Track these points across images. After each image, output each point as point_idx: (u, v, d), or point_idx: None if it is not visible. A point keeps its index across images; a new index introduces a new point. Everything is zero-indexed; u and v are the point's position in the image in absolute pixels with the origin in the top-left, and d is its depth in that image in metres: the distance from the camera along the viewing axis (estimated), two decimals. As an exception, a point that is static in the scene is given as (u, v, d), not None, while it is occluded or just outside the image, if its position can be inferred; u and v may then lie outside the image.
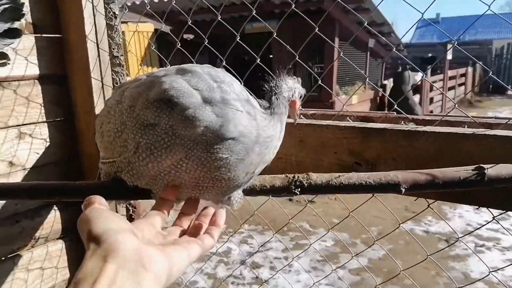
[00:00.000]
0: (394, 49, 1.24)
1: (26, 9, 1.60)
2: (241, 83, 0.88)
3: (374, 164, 1.07)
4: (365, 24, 1.23)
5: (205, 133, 0.72)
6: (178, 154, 0.73)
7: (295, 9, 1.30)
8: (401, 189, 0.83)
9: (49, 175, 1.68)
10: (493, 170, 0.80)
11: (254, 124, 0.77)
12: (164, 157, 0.74)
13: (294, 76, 0.95)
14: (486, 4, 0.92)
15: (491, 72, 1.04)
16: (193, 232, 0.73)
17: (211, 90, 0.76)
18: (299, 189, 0.85)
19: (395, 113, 1.18)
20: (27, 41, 1.61)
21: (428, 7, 1.03)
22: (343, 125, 1.14)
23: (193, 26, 1.66)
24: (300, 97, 0.95)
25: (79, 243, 1.81)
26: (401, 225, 1.23)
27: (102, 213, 0.60)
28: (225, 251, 4.30)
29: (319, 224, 5.00)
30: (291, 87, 0.91)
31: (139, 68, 6.25)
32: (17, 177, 1.59)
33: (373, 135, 1.07)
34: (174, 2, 1.77)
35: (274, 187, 0.86)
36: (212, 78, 0.79)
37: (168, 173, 0.76)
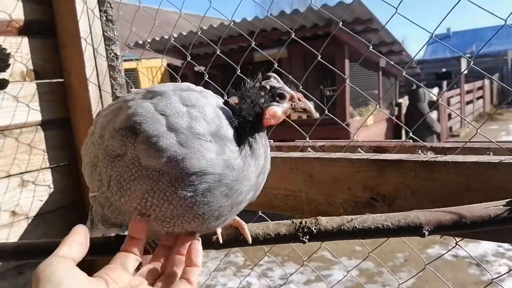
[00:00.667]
0: (404, 69, 1.16)
1: (27, 56, 1.60)
2: (224, 100, 0.77)
3: (392, 200, 0.97)
4: (369, 44, 1.16)
5: (168, 164, 0.64)
6: (144, 186, 0.65)
7: (295, 37, 1.25)
8: (424, 232, 0.73)
9: (54, 222, 1.63)
10: (529, 205, 0.69)
11: (220, 160, 0.65)
12: (132, 189, 0.66)
13: (264, 76, 0.77)
14: (502, 19, 0.83)
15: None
16: (168, 277, 0.65)
17: (178, 115, 0.67)
18: (307, 237, 0.75)
19: (411, 141, 1.08)
20: (29, 88, 1.60)
21: (437, 27, 0.95)
22: (355, 157, 1.05)
23: (190, 61, 1.62)
24: (280, 96, 0.74)
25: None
26: (428, 250, 1.10)
27: (57, 270, 0.51)
28: (244, 286, 4.14)
29: (341, 252, 4.80)
30: (252, 98, 0.72)
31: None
32: (20, 227, 1.54)
33: (389, 167, 0.98)
34: (176, 37, 1.75)
35: (279, 236, 0.77)
36: (183, 101, 0.70)
37: (139, 209, 0.68)
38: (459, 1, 0.90)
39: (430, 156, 0.95)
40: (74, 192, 1.69)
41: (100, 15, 1.71)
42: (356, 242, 5.00)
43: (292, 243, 0.77)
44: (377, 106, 1.22)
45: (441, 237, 0.99)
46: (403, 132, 8.90)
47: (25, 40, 1.61)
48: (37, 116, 1.61)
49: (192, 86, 0.78)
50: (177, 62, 8.58)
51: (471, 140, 0.97)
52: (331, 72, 7.69)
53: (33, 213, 1.57)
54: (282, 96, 0.74)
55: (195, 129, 0.66)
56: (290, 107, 0.75)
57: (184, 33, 7.27)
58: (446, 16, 0.93)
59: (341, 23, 1.14)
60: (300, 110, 0.76)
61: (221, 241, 0.79)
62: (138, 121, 0.67)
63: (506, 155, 0.88)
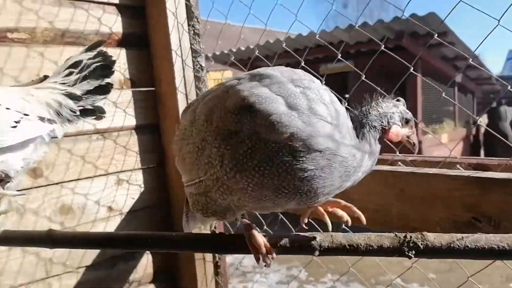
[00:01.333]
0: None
1: (124, 66, 1.75)
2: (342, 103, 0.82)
3: (498, 221, 0.91)
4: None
5: (291, 139, 0.68)
6: (262, 158, 0.70)
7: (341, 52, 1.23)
8: (545, 256, 0.68)
9: (142, 220, 1.75)
10: None
11: (342, 145, 0.71)
12: (249, 162, 0.71)
13: (395, 98, 0.84)
14: None
15: None
16: None
17: (295, 96, 0.72)
18: (413, 252, 0.73)
19: (515, 159, 1.01)
20: (125, 95, 1.74)
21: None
22: (455, 174, 1.00)
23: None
24: (406, 121, 0.82)
25: (169, 286, 1.82)
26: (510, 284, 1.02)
27: None
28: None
29: (414, 278, 4.51)
30: (385, 112, 0.79)
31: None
32: (115, 221, 1.68)
33: (494, 186, 0.92)
34: (257, 51, 1.81)
35: (382, 248, 0.76)
36: (294, 83, 0.74)
37: (255, 182, 0.72)
38: None
39: (543, 176, 0.89)
40: (161, 193, 1.81)
41: (189, 29, 1.83)
42: (431, 268, 4.68)
43: (397, 257, 0.75)
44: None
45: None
46: (482, 152, 8.27)
47: (123, 51, 1.76)
48: (132, 121, 1.75)
49: (297, 70, 0.81)
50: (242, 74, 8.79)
51: None
52: (401, 86, 7.40)
53: (126, 210, 1.70)
54: (407, 122, 0.82)
55: (316, 111, 0.71)
56: (407, 135, 0.83)
57: (251, 46, 7.47)
58: None
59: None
60: (410, 141, 0.84)
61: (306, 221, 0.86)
62: (256, 101, 0.71)
63: None
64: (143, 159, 1.76)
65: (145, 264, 1.75)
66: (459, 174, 1.00)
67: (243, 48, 7.58)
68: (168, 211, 1.80)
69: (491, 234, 0.72)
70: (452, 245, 0.72)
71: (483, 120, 9.31)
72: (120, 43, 1.78)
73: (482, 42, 1.10)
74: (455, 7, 1.03)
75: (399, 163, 1.18)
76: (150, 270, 1.77)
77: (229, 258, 5.00)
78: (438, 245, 0.73)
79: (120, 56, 1.77)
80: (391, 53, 1.25)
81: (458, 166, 1.07)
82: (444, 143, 7.27)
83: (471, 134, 8.37)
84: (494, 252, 0.70)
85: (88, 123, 1.63)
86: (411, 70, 1.20)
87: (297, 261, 4.75)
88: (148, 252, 1.75)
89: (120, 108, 1.73)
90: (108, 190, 1.65)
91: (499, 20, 0.95)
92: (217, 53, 8.85)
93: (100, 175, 1.64)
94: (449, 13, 1.09)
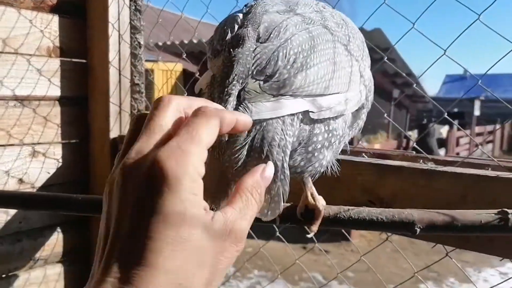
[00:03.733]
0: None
1: (55, 33, 1.67)
2: None
3: (389, 204, 0.99)
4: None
5: None
6: None
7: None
8: (416, 228, 0.75)
9: (57, 196, 1.67)
10: (519, 215, 0.72)
11: None
12: None
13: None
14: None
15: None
16: None
17: None
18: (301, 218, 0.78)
19: (414, 152, 1.11)
20: (52, 64, 1.66)
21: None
22: (358, 160, 1.08)
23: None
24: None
25: (78, 268, 1.75)
26: (421, 285, 1.12)
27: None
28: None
29: (333, 276, 4.75)
30: None
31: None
32: (25, 195, 1.58)
33: (389, 172, 1.01)
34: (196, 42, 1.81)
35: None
36: None
37: None
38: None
39: (430, 166, 0.98)
40: (81, 169, 1.74)
41: (130, 4, 1.79)
42: (350, 268, 4.94)
43: (290, 225, 0.80)
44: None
45: (433, 246, 1.01)
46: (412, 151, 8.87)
47: (56, 17, 1.68)
48: (56, 91, 1.67)
49: None
50: (193, 68, 8.71)
51: (471, 156, 1.00)
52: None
53: (39, 184, 1.62)
54: None
55: None
56: None
57: (204, 40, 7.40)
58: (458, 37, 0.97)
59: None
60: None
61: None
62: None
63: (503, 172, 0.90)
64: (64, 133, 1.69)
65: (54, 242, 1.67)
66: (362, 160, 1.07)
67: (195, 41, 7.50)
68: (86, 188, 1.74)
69: (374, 208, 0.79)
70: (338, 215, 0.78)
71: (414, 135, 10.02)
72: (54, 9, 1.69)
73: (426, 70, 1.20)
74: (405, 34, 1.10)
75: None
76: (59, 249, 1.69)
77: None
78: (326, 215, 0.78)
79: (51, 23, 1.68)
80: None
81: (363, 154, 1.15)
82: (376, 152, 7.72)
83: (402, 146, 8.99)
84: (374, 223, 0.77)
85: (7, 88, 1.54)
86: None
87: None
88: (58, 230, 1.68)
89: (45, 76, 1.65)
90: (20, 161, 1.56)
91: (445, 50, 1.01)
92: (169, 43, 8.67)
93: (13, 145, 1.54)
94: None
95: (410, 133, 10.26)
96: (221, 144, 0.52)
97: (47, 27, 1.66)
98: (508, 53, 0.90)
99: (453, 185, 0.90)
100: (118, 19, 1.74)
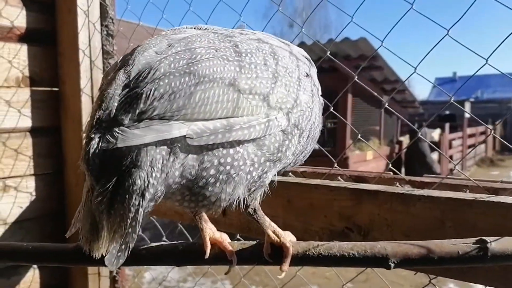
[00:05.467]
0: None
1: (24, 62, 1.63)
2: None
3: (367, 231, 0.95)
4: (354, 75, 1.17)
5: None
6: None
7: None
8: (390, 264, 0.70)
9: (31, 231, 1.61)
10: (497, 243, 0.67)
11: None
12: None
13: None
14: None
15: (492, 130, 0.94)
16: None
17: None
18: (272, 260, 0.73)
19: (391, 173, 1.07)
20: (22, 94, 1.61)
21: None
22: (334, 185, 1.03)
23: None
24: None
25: (56, 307, 1.68)
26: None
27: None
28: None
29: (331, 287, 4.67)
30: None
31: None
32: (-4, 233, 1.52)
33: (366, 197, 0.96)
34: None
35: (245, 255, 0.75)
36: None
37: None
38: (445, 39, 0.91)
39: (406, 189, 0.94)
40: (56, 202, 1.67)
41: (101, 29, 1.75)
42: (348, 278, 4.85)
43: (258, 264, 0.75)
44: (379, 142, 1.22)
45: (415, 274, 0.96)
46: (403, 169, 8.85)
47: (24, 47, 1.64)
48: (27, 122, 1.62)
49: None
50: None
51: (448, 176, 0.95)
52: (334, 105, 7.75)
53: (11, 219, 1.55)
54: None
55: None
56: None
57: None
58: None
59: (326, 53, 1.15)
60: None
61: None
62: None
63: (482, 193, 0.86)
64: (37, 165, 1.63)
65: (30, 279, 1.60)
66: (337, 185, 1.03)
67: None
68: (62, 222, 1.67)
69: (345, 242, 0.74)
70: (307, 253, 0.73)
71: (405, 140, 10.01)
72: (22, 38, 1.65)
73: (409, 77, 1.17)
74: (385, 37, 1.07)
75: (290, 173, 1.20)
76: (36, 286, 1.62)
77: (153, 273, 4.81)
78: (295, 253, 0.73)
79: (20, 52, 1.64)
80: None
81: (339, 177, 1.10)
82: (369, 159, 7.68)
83: (394, 152, 8.97)
84: (345, 259, 0.72)
85: (-26, 122, 1.49)
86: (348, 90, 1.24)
87: (223, 274, 4.69)
88: (35, 266, 1.61)
89: (14, 108, 1.60)
90: (-10, 197, 1.50)
91: (415, 68, 0.99)
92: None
93: (-18, 180, 1.48)
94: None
95: (402, 138, 10.26)
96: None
97: (15, 57, 1.62)
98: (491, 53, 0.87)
99: (431, 210, 0.86)
100: (89, 45, 1.70)
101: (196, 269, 4.89)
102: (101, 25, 1.76)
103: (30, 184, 1.61)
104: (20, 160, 1.59)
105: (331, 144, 7.55)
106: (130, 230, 0.55)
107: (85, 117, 1.65)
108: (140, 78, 0.58)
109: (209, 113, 0.59)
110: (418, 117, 15.60)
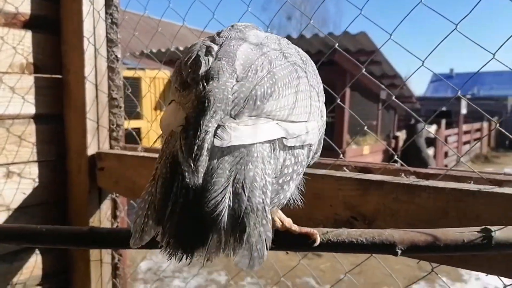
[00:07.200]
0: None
1: (28, 49, 1.62)
2: None
3: (372, 220, 0.97)
4: (360, 72, 1.18)
5: None
6: None
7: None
8: (397, 250, 0.72)
9: (34, 217, 1.61)
10: (501, 232, 0.69)
11: None
12: None
13: None
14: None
15: (498, 125, 0.96)
16: None
17: None
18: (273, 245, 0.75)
19: (395, 164, 1.09)
20: (26, 81, 1.61)
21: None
22: (340, 175, 1.05)
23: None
24: None
25: (58, 293, 1.69)
26: (414, 286, 1.09)
27: None
28: (225, 305, 4.05)
29: (326, 280, 4.72)
30: None
31: (152, 112, 6.36)
32: (0, 217, 1.52)
33: (371, 187, 0.98)
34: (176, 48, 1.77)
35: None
36: None
37: None
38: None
39: (412, 179, 0.96)
40: (58, 189, 1.68)
41: (106, 17, 1.75)
42: (342, 271, 4.92)
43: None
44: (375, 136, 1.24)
45: (418, 262, 0.98)
46: (398, 165, 8.92)
47: (29, 33, 1.63)
48: (30, 109, 1.62)
49: None
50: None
51: (453, 168, 0.97)
52: (331, 99, 7.78)
53: (14, 205, 1.56)
54: None
55: None
56: None
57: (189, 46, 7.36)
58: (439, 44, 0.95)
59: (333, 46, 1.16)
60: None
61: None
62: None
63: (486, 184, 0.88)
64: (40, 151, 1.63)
65: (33, 265, 1.61)
66: (343, 175, 1.04)
67: (181, 48, 7.44)
68: (65, 209, 1.68)
69: (353, 229, 0.76)
70: (316, 240, 0.74)
71: (402, 135, 10.08)
72: (26, 25, 1.64)
73: (409, 77, 1.18)
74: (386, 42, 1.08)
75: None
76: (38, 272, 1.63)
77: (148, 263, 4.84)
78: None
79: (24, 39, 1.63)
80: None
81: (345, 168, 1.12)
82: (366, 154, 7.73)
83: (391, 147, 9.03)
84: (353, 245, 0.73)
85: (-22, 108, 1.49)
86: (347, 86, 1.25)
87: (219, 265, 4.73)
88: (37, 252, 1.62)
89: (18, 94, 1.60)
90: (-6, 182, 1.50)
91: (423, 61, 1.00)
92: (154, 50, 8.61)
93: (-14, 166, 1.49)
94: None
95: (398, 133, 10.32)
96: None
97: (20, 44, 1.61)
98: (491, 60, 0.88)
99: (435, 200, 0.88)
100: (94, 33, 1.70)
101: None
102: (106, 13, 1.75)
103: (33, 170, 1.61)
104: (24, 147, 1.59)
105: (328, 138, 7.60)
106: (262, 229, 0.51)
107: (89, 105, 1.66)
108: (249, 74, 0.56)
109: (297, 116, 0.60)
110: (415, 113, 15.66)
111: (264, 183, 0.53)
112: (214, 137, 0.50)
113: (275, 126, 0.57)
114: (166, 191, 0.51)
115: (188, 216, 0.49)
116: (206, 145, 0.49)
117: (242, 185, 0.50)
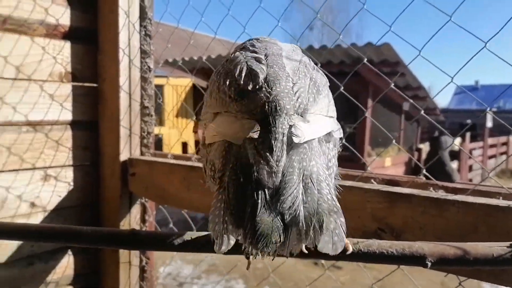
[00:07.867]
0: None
1: (67, 59, 1.71)
2: None
3: (400, 233, 0.98)
4: (391, 83, 1.20)
5: None
6: None
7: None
8: (427, 262, 0.74)
9: (68, 219, 1.69)
10: (533, 249, 0.70)
11: None
12: None
13: None
14: (521, 69, 0.86)
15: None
16: None
17: None
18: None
19: (423, 178, 1.10)
20: (64, 89, 1.69)
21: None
22: (368, 187, 1.07)
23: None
24: None
25: (88, 293, 1.76)
26: None
27: None
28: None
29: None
30: None
31: (173, 119, 6.49)
32: (37, 219, 1.60)
33: (400, 200, 0.99)
34: (205, 59, 1.83)
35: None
36: None
37: None
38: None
39: (440, 194, 0.97)
40: (92, 193, 1.75)
41: (140, 30, 1.83)
42: (362, 284, 4.86)
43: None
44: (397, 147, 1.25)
45: (446, 275, 0.99)
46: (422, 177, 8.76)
47: (68, 44, 1.73)
48: (68, 116, 1.70)
49: None
50: (203, 84, 8.81)
51: (481, 183, 0.98)
52: (353, 109, 7.75)
53: (50, 207, 1.63)
54: None
55: None
56: None
57: (213, 56, 7.50)
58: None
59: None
60: None
61: None
62: None
63: (516, 200, 0.89)
64: (75, 156, 1.71)
65: (65, 265, 1.68)
66: (371, 187, 1.06)
67: (213, 56, 7.56)
68: (97, 212, 1.75)
69: (383, 240, 0.78)
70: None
71: (425, 148, 9.90)
72: (66, 36, 1.74)
73: (437, 93, 1.20)
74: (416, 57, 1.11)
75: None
76: (70, 272, 1.70)
77: (168, 268, 4.89)
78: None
79: (63, 49, 1.72)
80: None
81: (372, 180, 1.14)
82: (387, 166, 7.64)
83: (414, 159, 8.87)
84: (384, 256, 0.76)
85: (20, 114, 1.58)
86: (370, 99, 1.28)
87: (237, 273, 4.75)
88: (70, 253, 1.69)
89: (57, 101, 1.68)
90: (33, 185, 1.58)
91: (452, 77, 1.02)
92: (186, 58, 8.78)
93: (26, 169, 1.57)
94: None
95: (421, 145, 10.14)
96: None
97: (59, 54, 1.70)
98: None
99: (465, 215, 0.89)
100: (129, 44, 1.78)
101: (211, 266, 4.96)
102: (140, 25, 1.83)
103: (69, 174, 1.69)
104: (61, 151, 1.67)
105: (350, 149, 7.55)
106: (335, 215, 0.56)
107: (123, 113, 1.73)
108: (300, 77, 0.65)
109: (332, 112, 0.71)
110: (439, 125, 15.36)
111: (326, 176, 0.59)
112: (290, 135, 0.55)
113: (330, 121, 0.65)
114: (241, 195, 0.54)
115: (267, 215, 0.51)
116: (285, 147, 0.55)
117: (311, 180, 0.55)
